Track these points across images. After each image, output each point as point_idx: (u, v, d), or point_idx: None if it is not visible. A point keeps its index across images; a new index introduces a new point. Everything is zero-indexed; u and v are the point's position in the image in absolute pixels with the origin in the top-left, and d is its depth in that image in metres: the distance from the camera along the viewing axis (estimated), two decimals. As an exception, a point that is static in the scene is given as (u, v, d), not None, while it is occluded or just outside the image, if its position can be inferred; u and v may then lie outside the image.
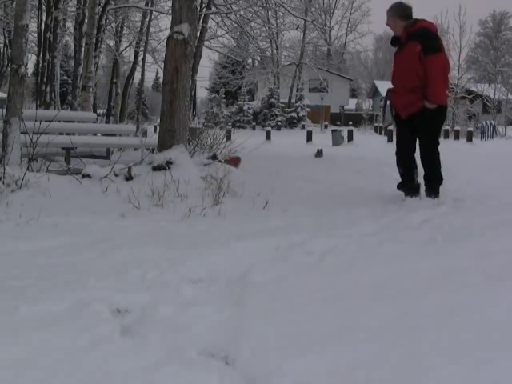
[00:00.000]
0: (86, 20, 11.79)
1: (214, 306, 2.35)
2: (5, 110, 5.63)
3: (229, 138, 11.81)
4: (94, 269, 2.91)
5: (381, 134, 29.61)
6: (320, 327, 2.12)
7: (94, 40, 11.92)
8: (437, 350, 1.88)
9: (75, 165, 6.61)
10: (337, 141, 19.49)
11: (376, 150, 12.58)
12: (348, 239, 3.59)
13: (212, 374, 1.77)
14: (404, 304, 2.34)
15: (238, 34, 20.33)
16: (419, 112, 5.05)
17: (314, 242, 3.47)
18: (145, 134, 13.04)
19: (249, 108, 41.21)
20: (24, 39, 5.54)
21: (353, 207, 5.03)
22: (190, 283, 2.68)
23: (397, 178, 5.48)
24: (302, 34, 41.00)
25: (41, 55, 14.20)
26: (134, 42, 20.07)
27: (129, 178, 5.46)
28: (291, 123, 40.37)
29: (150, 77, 58.97)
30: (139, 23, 19.67)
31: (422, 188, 5.28)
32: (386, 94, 5.51)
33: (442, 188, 5.26)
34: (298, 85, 41.47)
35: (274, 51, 41.15)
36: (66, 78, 36.77)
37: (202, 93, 55.82)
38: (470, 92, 32.84)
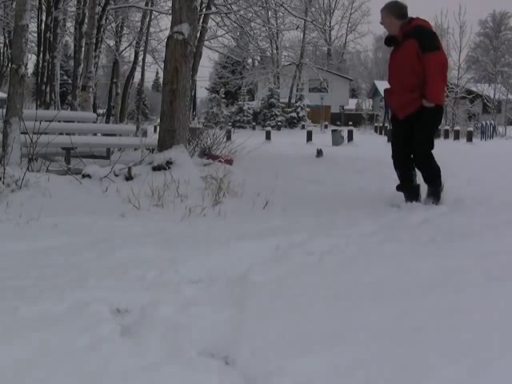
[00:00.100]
0: (86, 20, 11.78)
1: (214, 306, 2.35)
2: (5, 110, 5.63)
3: (229, 138, 11.81)
4: (94, 269, 2.91)
5: (381, 134, 29.63)
6: (320, 327, 2.12)
7: (94, 40, 11.92)
8: (437, 350, 1.88)
9: (75, 165, 6.61)
10: (337, 141, 19.49)
11: (376, 149, 12.56)
12: (348, 239, 3.59)
13: (212, 373, 1.77)
14: (404, 304, 2.34)
15: (238, 34, 20.34)
16: (417, 111, 5.02)
17: (314, 242, 3.47)
18: (145, 134, 13.02)
19: (249, 108, 41.21)
20: (24, 39, 5.54)
21: (353, 207, 5.03)
22: (190, 283, 2.68)
23: (396, 178, 5.47)
24: (301, 34, 41.00)
25: (41, 55, 14.21)
26: (134, 42, 20.07)
27: (129, 178, 5.46)
28: (291, 123, 40.37)
29: (149, 77, 58.98)
30: (139, 23, 19.68)
31: (422, 188, 5.26)
32: (384, 95, 5.49)
33: (441, 193, 5.20)
34: (298, 85, 41.46)
35: (274, 51, 41.15)
36: (66, 77, 36.77)
37: (202, 93, 55.83)
38: (470, 92, 32.85)
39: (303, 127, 34.48)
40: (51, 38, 13.19)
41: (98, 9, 13.22)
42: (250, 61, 45.90)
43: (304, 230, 3.85)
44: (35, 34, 16.83)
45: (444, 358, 1.82)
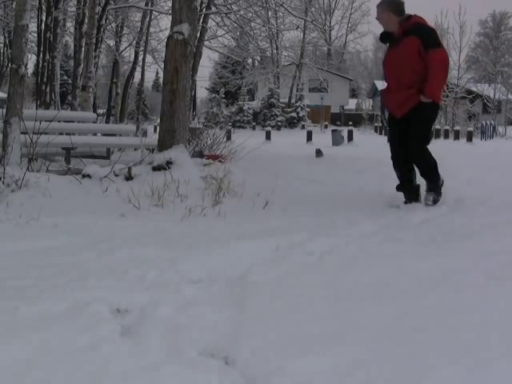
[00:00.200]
0: (86, 20, 11.79)
1: (214, 306, 2.35)
2: (5, 110, 5.63)
3: (229, 138, 11.82)
4: (94, 269, 2.91)
5: (381, 134, 29.63)
6: (320, 327, 2.12)
7: (94, 40, 11.92)
8: (437, 350, 1.88)
9: (75, 165, 6.61)
10: (337, 141, 19.49)
11: (376, 150, 12.55)
12: (348, 239, 3.59)
13: (212, 374, 1.77)
14: (404, 304, 2.34)
15: (238, 34, 20.35)
16: (414, 108, 4.99)
17: (313, 242, 3.47)
18: (145, 134, 13.03)
19: (249, 108, 41.22)
20: (24, 39, 5.54)
21: (353, 207, 5.03)
22: (190, 283, 2.68)
23: (396, 178, 5.46)
24: (301, 34, 41.02)
25: (41, 55, 14.21)
26: (134, 42, 20.08)
27: (129, 178, 5.46)
28: (291, 123, 40.38)
29: (149, 77, 59.01)
30: (139, 23, 19.68)
31: (422, 188, 5.25)
32: (381, 95, 5.45)
33: (442, 188, 5.19)
34: (298, 85, 41.47)
35: (274, 51, 41.16)
36: (66, 77, 36.77)
37: (202, 93, 55.89)
38: (470, 92, 32.85)
39: (303, 127, 34.50)
40: (51, 38, 13.19)
41: (98, 9, 13.22)
42: (250, 61, 45.94)
43: (304, 230, 3.85)
44: (35, 34, 16.84)
45: (444, 358, 1.82)
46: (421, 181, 5.26)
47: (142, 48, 18.40)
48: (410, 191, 5.14)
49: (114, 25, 20.44)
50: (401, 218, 4.43)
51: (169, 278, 2.75)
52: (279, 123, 39.32)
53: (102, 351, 1.91)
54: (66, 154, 7.12)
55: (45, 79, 13.37)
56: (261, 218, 4.54)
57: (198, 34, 13.21)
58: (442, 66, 4.96)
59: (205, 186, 5.30)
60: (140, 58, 18.52)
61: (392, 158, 5.22)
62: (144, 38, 17.72)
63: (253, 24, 19.17)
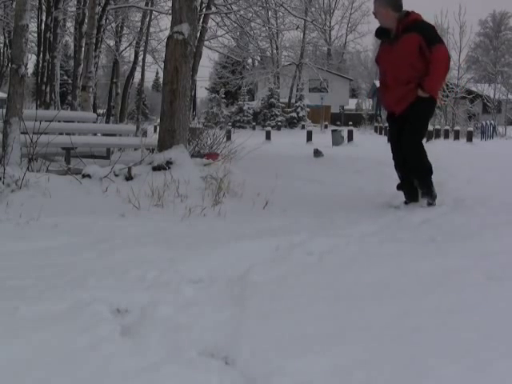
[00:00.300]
0: (86, 20, 11.79)
1: (214, 306, 2.35)
2: (5, 110, 5.63)
3: (229, 138, 11.81)
4: (94, 269, 2.91)
5: (381, 133, 29.63)
6: (320, 327, 2.12)
7: (94, 40, 11.92)
8: (437, 350, 1.89)
9: (75, 165, 6.61)
10: (337, 141, 19.49)
11: (376, 150, 12.56)
12: (348, 239, 3.59)
13: (212, 373, 1.77)
14: (404, 304, 2.34)
15: (238, 34, 20.35)
16: (412, 103, 4.97)
17: (314, 242, 3.47)
18: (145, 134, 13.03)
19: (249, 108, 41.23)
20: (24, 39, 5.54)
21: (353, 207, 5.03)
22: (190, 283, 2.68)
23: (396, 178, 5.47)
24: (301, 34, 41.02)
25: (41, 55, 14.21)
26: (134, 41, 20.08)
27: (129, 178, 5.46)
28: (291, 123, 40.39)
29: (150, 77, 58.99)
30: (139, 23, 19.69)
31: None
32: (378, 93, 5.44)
33: (442, 188, 5.19)
34: (298, 85, 41.48)
35: (274, 51, 41.16)
36: (66, 77, 36.77)
37: (202, 93, 55.86)
38: (470, 92, 32.83)
39: (303, 127, 34.50)
40: (51, 38, 13.19)
41: (98, 9, 13.22)
42: (250, 61, 45.95)
43: (304, 230, 3.85)
44: (35, 34, 16.84)
45: (444, 358, 1.82)
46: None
47: (142, 48, 18.41)
48: (410, 192, 5.14)
49: (114, 25, 20.45)
50: (401, 218, 4.43)
51: (169, 277, 2.75)
52: (279, 123, 39.32)
53: (102, 351, 1.91)
54: (66, 154, 7.12)
55: (45, 79, 13.37)
56: (261, 218, 4.54)
57: (198, 34, 13.21)
58: (445, 62, 4.98)
59: (205, 186, 5.30)
60: (140, 58, 18.52)
61: (393, 157, 5.22)
62: (144, 38, 17.73)
63: (253, 24, 19.17)
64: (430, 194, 4.98)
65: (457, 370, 1.74)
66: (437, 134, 23.56)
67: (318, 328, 2.11)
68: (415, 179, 5.04)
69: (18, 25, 5.55)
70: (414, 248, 3.37)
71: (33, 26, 16.28)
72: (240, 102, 41.46)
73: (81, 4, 12.30)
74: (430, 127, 22.41)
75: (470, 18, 41.09)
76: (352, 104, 55.79)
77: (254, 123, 38.60)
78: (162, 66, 7.88)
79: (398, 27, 4.99)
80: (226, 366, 1.85)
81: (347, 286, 2.63)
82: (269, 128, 25.56)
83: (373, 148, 14.60)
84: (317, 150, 11.00)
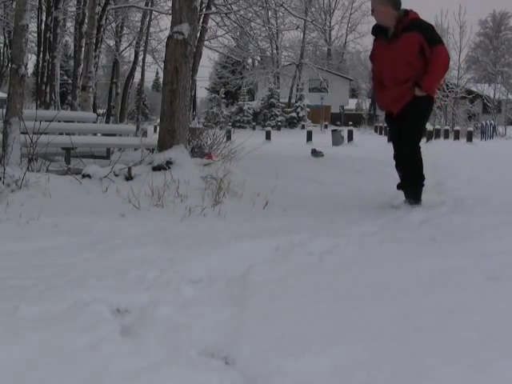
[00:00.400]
0: (86, 20, 11.79)
1: (214, 306, 2.35)
2: (5, 110, 5.63)
3: (229, 138, 11.81)
4: (94, 269, 2.91)
5: (381, 134, 29.64)
6: (320, 327, 2.12)
7: (94, 40, 11.92)
8: (437, 349, 1.88)
9: (75, 165, 6.61)
10: (337, 141, 19.50)
11: (376, 149, 12.56)
12: (348, 239, 3.59)
13: (212, 374, 1.77)
14: (404, 304, 2.34)
15: (238, 34, 20.35)
16: (410, 102, 4.93)
17: (314, 242, 3.47)
18: (145, 134, 13.03)
19: (249, 108, 41.24)
20: (24, 39, 5.54)
21: (353, 207, 5.03)
22: (190, 283, 2.68)
23: (397, 178, 5.47)
24: (301, 34, 41.02)
25: (41, 55, 14.21)
26: (134, 42, 20.09)
27: (129, 178, 5.46)
28: (291, 123, 40.39)
29: (149, 77, 58.95)
30: (139, 23, 19.70)
31: (423, 188, 5.24)
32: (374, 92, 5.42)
33: (442, 188, 5.17)
34: (298, 85, 41.49)
35: (274, 51, 41.17)
36: (66, 77, 36.76)
37: (202, 93, 55.85)
38: (470, 92, 32.85)
39: (303, 127, 34.50)
40: (51, 38, 13.19)
41: (98, 9, 13.22)
42: (250, 61, 45.96)
43: (304, 230, 3.85)
44: (35, 34, 16.84)
45: (444, 358, 1.82)
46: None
47: (142, 48, 18.41)
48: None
49: (114, 25, 20.45)
50: (401, 218, 4.43)
51: (169, 277, 2.75)
52: (279, 123, 39.32)
53: (102, 351, 1.91)
54: (66, 154, 7.12)
55: (45, 79, 13.37)
56: (261, 218, 4.54)
57: (198, 34, 13.20)
58: (445, 64, 5.00)
59: (205, 186, 5.30)
60: (140, 58, 18.53)
61: (394, 157, 5.22)
62: (144, 38, 17.73)
63: (253, 24, 19.17)
64: (415, 195, 4.98)
65: (457, 370, 1.74)
66: (437, 134, 23.56)
67: (317, 328, 2.11)
68: (408, 178, 5.05)
69: (18, 25, 5.55)
70: (414, 248, 3.37)
71: (33, 26, 16.30)
72: (240, 102, 41.47)
73: (81, 4, 12.30)
74: (430, 127, 22.44)
75: (469, 18, 41.15)
76: (352, 104, 55.80)
77: (253, 123, 38.60)
78: (162, 66, 7.88)
79: (397, 26, 4.96)
80: (226, 365, 1.85)
81: (347, 286, 2.63)
82: (269, 128, 25.57)
83: (373, 148, 14.60)
84: (315, 149, 10.99)
